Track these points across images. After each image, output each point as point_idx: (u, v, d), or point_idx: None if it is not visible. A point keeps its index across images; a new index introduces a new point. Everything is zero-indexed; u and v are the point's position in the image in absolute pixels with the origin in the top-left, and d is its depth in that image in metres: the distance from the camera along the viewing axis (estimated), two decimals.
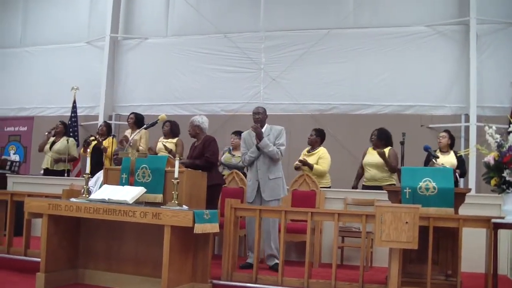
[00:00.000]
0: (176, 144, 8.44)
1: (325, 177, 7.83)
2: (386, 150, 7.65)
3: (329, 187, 7.72)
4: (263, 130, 6.41)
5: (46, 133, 9.81)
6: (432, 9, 10.22)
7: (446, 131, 7.80)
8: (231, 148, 8.26)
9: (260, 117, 6.47)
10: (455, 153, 7.57)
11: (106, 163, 8.87)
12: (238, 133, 8.30)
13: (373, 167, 7.66)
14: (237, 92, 11.15)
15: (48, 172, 9.49)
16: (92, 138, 9.25)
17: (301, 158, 7.90)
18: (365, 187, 7.75)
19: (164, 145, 8.29)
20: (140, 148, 8.32)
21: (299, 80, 10.77)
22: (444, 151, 7.55)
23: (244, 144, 6.57)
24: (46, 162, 9.62)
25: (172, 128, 8.56)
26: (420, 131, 9.61)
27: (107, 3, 12.18)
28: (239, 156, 8.02)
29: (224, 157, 8.18)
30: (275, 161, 6.38)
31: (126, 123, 9.20)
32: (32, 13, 13.12)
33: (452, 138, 7.70)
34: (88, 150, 8.37)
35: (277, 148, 6.34)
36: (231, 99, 11.16)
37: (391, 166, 7.50)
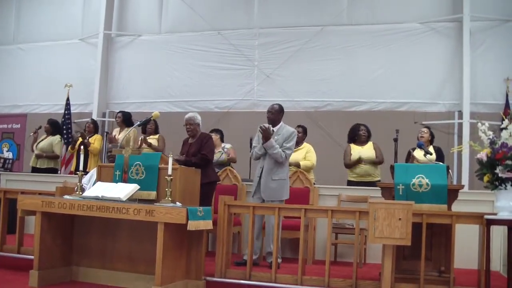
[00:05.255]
0: (158, 140, 8.60)
1: (310, 173, 7.83)
2: (371, 145, 7.76)
3: (313, 184, 7.70)
4: (276, 128, 6.37)
5: (31, 134, 9.83)
6: (426, 6, 10.24)
7: (427, 127, 7.91)
8: None
9: (271, 116, 6.40)
10: (435, 147, 7.63)
11: (91, 160, 8.88)
12: (218, 131, 8.37)
13: (367, 162, 7.70)
14: (231, 89, 11.15)
15: (34, 170, 9.46)
16: (79, 134, 9.31)
17: None
18: (353, 183, 7.75)
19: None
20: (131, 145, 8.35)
21: (293, 77, 10.77)
22: None
23: (258, 139, 6.45)
24: (32, 160, 9.61)
25: (156, 126, 8.80)
26: (413, 128, 9.58)
27: (100, 0, 12.14)
28: (219, 152, 8.02)
29: None
30: (280, 163, 6.31)
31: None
32: (25, 9, 13.07)
33: (432, 134, 7.81)
34: (76, 147, 8.45)
35: (283, 151, 6.24)
36: (225, 96, 11.16)
37: (381, 160, 7.65)
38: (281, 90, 10.74)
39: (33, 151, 9.74)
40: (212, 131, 8.38)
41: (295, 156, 7.80)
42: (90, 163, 8.84)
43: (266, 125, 6.27)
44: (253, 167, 6.73)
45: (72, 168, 9.13)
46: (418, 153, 7.23)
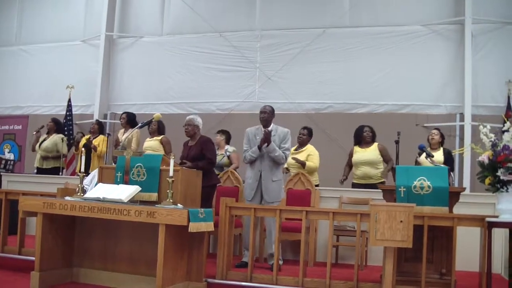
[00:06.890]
0: (161, 142, 8.31)
1: (313, 175, 7.81)
2: (375, 146, 7.73)
3: (317, 185, 7.69)
4: (269, 129, 6.38)
5: (34, 133, 9.78)
6: (428, 9, 10.24)
7: (437, 128, 7.90)
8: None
9: (265, 116, 6.42)
10: (445, 150, 7.64)
11: (95, 162, 8.87)
12: (224, 132, 8.33)
13: (366, 164, 7.71)
14: (233, 91, 11.15)
15: (40, 170, 9.45)
16: (84, 136, 9.28)
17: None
18: (357, 185, 7.75)
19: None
20: (132, 147, 8.31)
21: (294, 79, 10.78)
22: (434, 148, 7.61)
23: (247, 141, 6.49)
24: (37, 161, 9.58)
25: (159, 127, 8.50)
26: (415, 130, 9.63)
27: (102, 1, 12.15)
28: (221, 154, 8.01)
29: None
30: (278, 164, 6.36)
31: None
32: (27, 11, 13.09)
33: (442, 136, 7.80)
34: (79, 148, 8.41)
35: (283, 152, 6.31)
36: (227, 98, 11.16)
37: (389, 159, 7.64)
38: (283, 92, 10.75)
39: (34, 150, 9.73)
40: (219, 132, 8.37)
41: (297, 157, 7.80)
42: (93, 164, 8.84)
43: (268, 129, 6.32)
44: None
45: (77, 169, 9.15)
46: (423, 158, 7.21)
